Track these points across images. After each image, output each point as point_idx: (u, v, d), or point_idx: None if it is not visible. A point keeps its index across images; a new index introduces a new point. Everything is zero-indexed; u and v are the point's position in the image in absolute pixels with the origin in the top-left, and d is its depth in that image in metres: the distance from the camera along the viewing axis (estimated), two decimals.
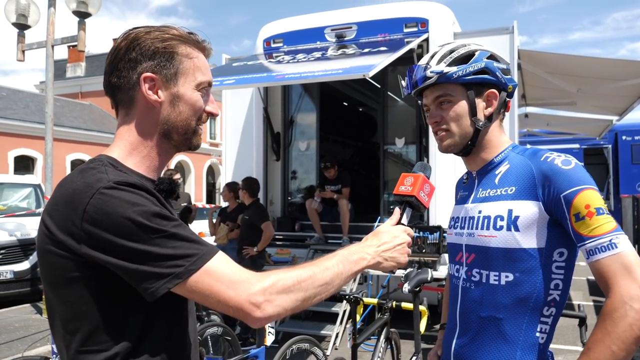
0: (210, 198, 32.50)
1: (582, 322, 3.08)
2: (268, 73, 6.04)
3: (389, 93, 8.31)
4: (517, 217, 1.47)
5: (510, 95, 1.65)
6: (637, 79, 8.00)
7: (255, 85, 7.12)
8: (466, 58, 1.58)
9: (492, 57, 1.61)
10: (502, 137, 1.66)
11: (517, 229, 1.47)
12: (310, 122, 8.45)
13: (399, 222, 1.49)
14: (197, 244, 1.14)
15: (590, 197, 1.39)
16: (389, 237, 1.41)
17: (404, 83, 1.68)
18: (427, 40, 6.68)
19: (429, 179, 1.56)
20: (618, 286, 1.31)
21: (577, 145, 17.18)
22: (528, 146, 1.69)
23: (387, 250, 1.39)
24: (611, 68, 8.00)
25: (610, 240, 1.35)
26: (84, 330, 1.13)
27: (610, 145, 16.65)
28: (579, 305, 3.40)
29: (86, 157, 24.49)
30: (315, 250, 7.24)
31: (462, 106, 1.59)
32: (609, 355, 1.27)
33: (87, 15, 7.47)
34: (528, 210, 1.46)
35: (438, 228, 6.50)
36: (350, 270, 1.29)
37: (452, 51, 1.60)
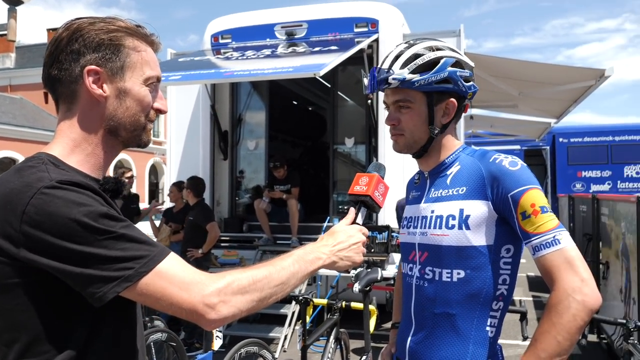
0: (153, 198, 31.69)
1: (523, 316, 3.20)
2: (216, 69, 5.96)
3: (339, 93, 8.37)
4: (468, 216, 1.53)
5: (471, 98, 1.69)
6: (573, 84, 8.44)
7: (202, 82, 7.00)
8: (430, 65, 1.59)
9: (457, 64, 1.62)
10: (455, 140, 1.71)
11: (467, 228, 1.52)
12: (259, 120, 8.38)
13: (353, 222, 1.50)
14: (148, 245, 1.10)
15: (535, 196, 1.46)
16: (345, 237, 1.42)
17: (365, 81, 1.67)
18: (377, 40, 6.76)
19: (383, 178, 1.58)
20: (561, 279, 1.38)
21: (518, 147, 17.89)
22: (473, 147, 1.75)
23: (343, 249, 1.40)
24: (550, 73, 8.39)
25: (554, 237, 1.42)
26: (22, 341, 1.07)
27: (548, 147, 17.45)
28: (520, 300, 3.53)
29: (17, 155, 23.30)
30: (263, 252, 7.20)
31: (421, 114, 1.62)
32: (555, 345, 1.35)
33: (19, 2, 7.09)
34: (478, 209, 1.52)
35: (386, 228, 6.59)
36: (306, 269, 1.29)
37: (417, 56, 1.60)
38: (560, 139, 16.97)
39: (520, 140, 17.30)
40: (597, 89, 8.42)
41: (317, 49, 6.31)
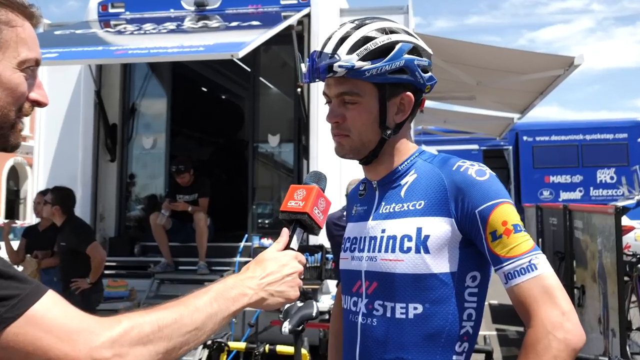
0: (12, 211, 30.11)
1: (489, 356, 3.28)
2: (104, 46, 5.83)
3: (261, 79, 8.37)
4: (427, 237, 1.55)
5: (429, 91, 1.73)
6: (538, 73, 8.86)
7: (85, 62, 6.76)
8: (384, 52, 1.60)
9: (414, 51, 1.64)
10: (409, 143, 1.74)
11: (427, 251, 1.55)
12: (158, 111, 8.27)
13: (287, 247, 1.50)
14: (16, 281, 1.04)
15: (507, 212, 1.51)
16: (276, 266, 1.41)
17: (303, 67, 1.66)
18: (308, 16, 6.82)
19: (324, 191, 1.58)
20: (539, 313, 1.42)
21: (476, 147, 18.62)
22: (424, 147, 1.80)
23: (274, 282, 1.39)
24: (512, 60, 8.78)
25: (529, 261, 1.47)
26: None
27: (511, 147, 18.29)
28: (484, 336, 3.63)
29: None
30: (161, 281, 7.08)
31: (371, 110, 1.63)
32: None
33: None
34: (439, 228, 1.55)
35: (320, 248, 6.63)
36: (227, 309, 1.27)
37: (367, 39, 1.60)
38: (525, 138, 17.85)
39: (478, 138, 18.00)
40: (565, 79, 8.90)
41: (234, 24, 6.28)
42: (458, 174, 1.56)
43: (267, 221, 8.22)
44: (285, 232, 1.52)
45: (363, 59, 1.59)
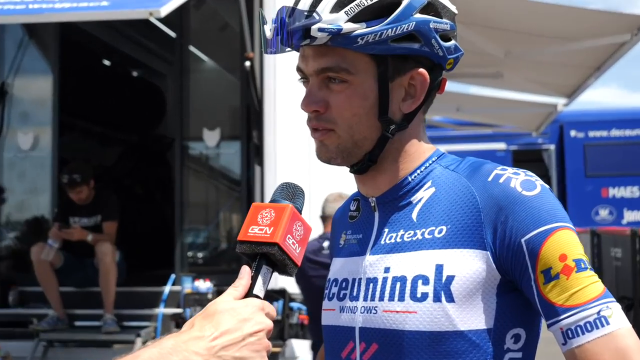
0: None
1: None
2: None
3: (191, 48, 8.38)
4: (450, 278, 1.55)
5: (452, 68, 1.72)
6: (593, 40, 8.98)
7: None
8: (385, 9, 1.59)
9: (430, 7, 1.64)
10: (423, 143, 1.74)
11: (450, 299, 1.55)
12: (40, 95, 8.29)
13: (249, 293, 1.49)
14: None
15: (566, 242, 1.51)
16: (234, 322, 1.40)
17: (267, 31, 1.66)
18: None
19: (301, 212, 1.58)
20: None
21: (502, 146, 18.72)
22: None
23: (231, 345, 1.38)
24: (555, 19, 8.88)
25: (598, 313, 1.47)
26: None
27: (553, 146, 18.39)
28: None
29: None
30: (49, 343, 7.04)
31: (365, 94, 1.63)
32: None
33: None
34: (469, 266, 1.55)
35: (280, 294, 6.64)
36: None
37: None
38: (573, 133, 17.98)
39: (506, 134, 18.14)
40: (632, 48, 9.03)
41: None
42: (497, 187, 1.57)
43: (202, 255, 8.19)
44: (245, 271, 1.50)
45: (354, 19, 1.58)
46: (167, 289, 7.06)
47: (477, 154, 16.61)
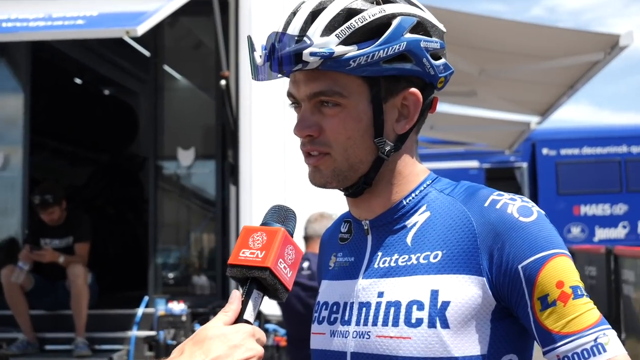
0: None
1: None
2: None
3: (165, 67, 8.37)
4: (445, 304, 1.55)
5: (443, 86, 1.73)
6: (566, 58, 9.05)
7: None
8: (375, 30, 1.60)
9: (419, 27, 1.64)
10: (417, 165, 1.75)
11: (445, 325, 1.55)
12: (10, 114, 8.23)
13: (239, 318, 1.48)
14: None
15: (563, 269, 1.53)
16: (224, 348, 1.39)
17: (258, 58, 1.65)
18: None
19: (292, 235, 1.57)
20: None
21: (475, 164, 18.85)
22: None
23: None
24: (529, 38, 8.95)
25: (595, 340, 1.48)
26: None
27: (525, 164, 18.54)
28: None
29: None
30: None
31: (359, 117, 1.63)
32: None
33: None
34: (464, 292, 1.56)
35: (256, 316, 6.60)
36: None
37: (351, 13, 1.59)
38: (545, 151, 18.12)
39: (479, 152, 18.24)
40: (605, 66, 9.11)
41: None
42: (493, 213, 1.58)
43: (174, 275, 8.15)
44: (235, 296, 1.49)
45: (346, 41, 1.58)
46: (140, 311, 7.02)
47: (450, 172, 16.92)
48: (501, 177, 18.08)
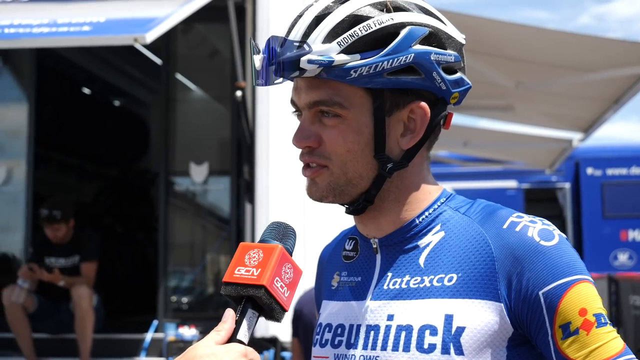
0: None
1: None
2: None
3: (178, 76, 8.42)
4: (460, 330, 1.57)
5: (458, 103, 1.74)
6: (613, 70, 9.00)
7: None
8: (381, 39, 1.60)
9: (431, 38, 1.64)
10: (428, 183, 1.75)
11: (459, 352, 1.56)
12: (14, 126, 8.28)
13: (232, 338, 1.50)
14: None
15: (586, 296, 1.54)
16: None
17: (257, 62, 1.66)
18: None
19: (292, 253, 1.59)
20: None
21: (513, 184, 18.74)
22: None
23: None
24: (571, 49, 8.92)
25: None
26: None
27: (567, 185, 18.41)
28: None
29: None
30: None
31: (360, 129, 1.64)
32: None
33: None
34: (480, 317, 1.57)
35: (272, 342, 6.60)
36: None
37: (356, 20, 1.61)
38: (590, 170, 17.97)
39: (517, 171, 18.14)
40: None
41: None
42: (513, 236, 1.59)
43: (187, 299, 8.17)
44: (229, 315, 1.52)
45: (348, 50, 1.59)
46: (149, 336, 7.03)
47: (486, 192, 16.82)
48: (541, 199, 17.94)
